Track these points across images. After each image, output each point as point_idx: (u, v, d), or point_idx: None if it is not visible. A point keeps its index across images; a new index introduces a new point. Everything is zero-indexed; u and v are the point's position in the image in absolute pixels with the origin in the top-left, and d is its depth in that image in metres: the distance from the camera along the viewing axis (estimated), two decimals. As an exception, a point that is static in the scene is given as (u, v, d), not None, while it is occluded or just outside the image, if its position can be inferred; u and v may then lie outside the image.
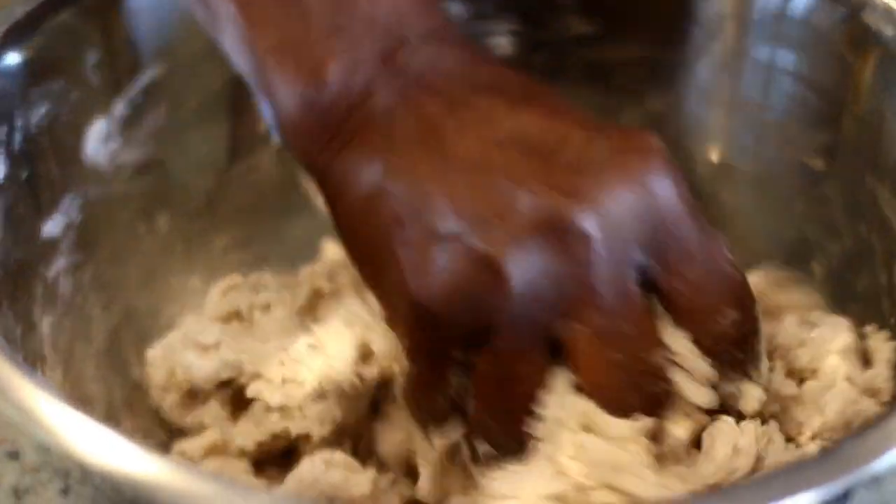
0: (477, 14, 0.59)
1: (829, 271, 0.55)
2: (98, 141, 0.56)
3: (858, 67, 0.53)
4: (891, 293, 0.51)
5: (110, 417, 0.52)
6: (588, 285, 0.42)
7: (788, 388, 0.49)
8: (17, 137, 0.52)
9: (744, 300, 0.45)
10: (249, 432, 0.51)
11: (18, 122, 0.52)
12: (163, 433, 0.54)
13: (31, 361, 0.48)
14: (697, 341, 0.44)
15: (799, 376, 0.50)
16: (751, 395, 0.46)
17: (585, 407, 0.43)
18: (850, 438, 0.40)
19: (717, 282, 0.44)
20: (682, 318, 0.44)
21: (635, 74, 0.60)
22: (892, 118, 0.52)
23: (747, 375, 0.45)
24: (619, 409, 0.43)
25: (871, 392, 0.49)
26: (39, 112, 0.53)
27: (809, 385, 0.49)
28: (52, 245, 0.53)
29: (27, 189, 0.52)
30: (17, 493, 0.54)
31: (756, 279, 0.54)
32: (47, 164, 0.53)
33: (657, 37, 0.59)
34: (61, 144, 0.54)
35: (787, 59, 0.56)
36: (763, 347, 0.46)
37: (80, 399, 0.51)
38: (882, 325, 0.51)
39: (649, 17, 0.59)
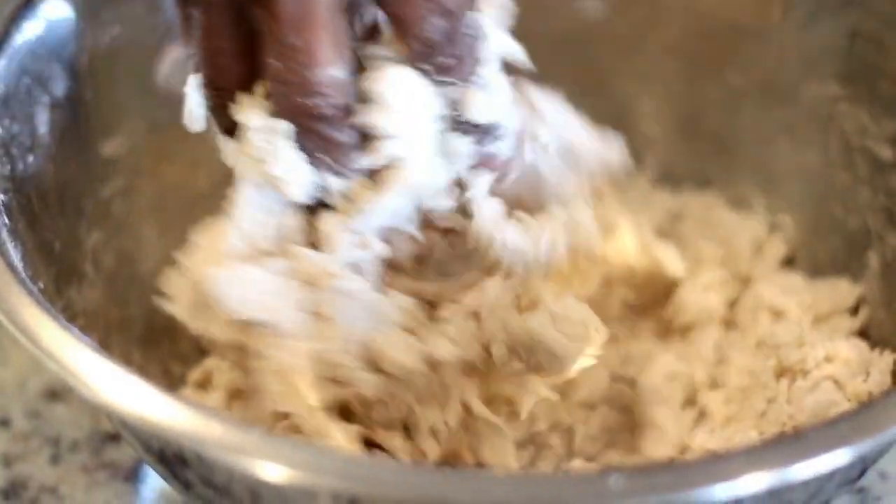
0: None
1: (885, 263, 0.53)
2: (173, 67, 0.56)
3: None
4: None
5: (148, 340, 0.53)
6: None
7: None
8: (84, 57, 0.52)
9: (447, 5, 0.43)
10: None
11: (87, 42, 0.53)
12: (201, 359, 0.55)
13: (67, 277, 0.49)
14: (409, 46, 0.43)
15: (790, 375, 0.49)
16: (474, 101, 0.44)
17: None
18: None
19: None
20: (395, 24, 0.43)
21: (717, 46, 0.59)
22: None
23: (466, 80, 0.43)
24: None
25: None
26: (111, 33, 0.54)
27: (798, 385, 0.48)
28: (110, 165, 0.54)
29: (91, 108, 0.53)
30: (7, 460, 0.54)
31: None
32: (115, 85, 0.54)
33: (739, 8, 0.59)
34: (133, 67, 0.55)
35: (854, 37, 0.55)
36: (488, 56, 0.44)
37: (117, 320, 0.52)
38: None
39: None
